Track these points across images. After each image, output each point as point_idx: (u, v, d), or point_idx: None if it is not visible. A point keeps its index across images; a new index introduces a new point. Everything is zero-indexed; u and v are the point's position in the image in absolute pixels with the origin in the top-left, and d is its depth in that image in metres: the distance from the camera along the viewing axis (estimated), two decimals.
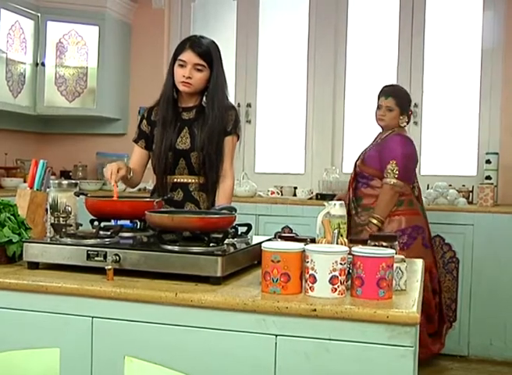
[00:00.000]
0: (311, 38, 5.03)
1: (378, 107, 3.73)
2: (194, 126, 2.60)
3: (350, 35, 4.98)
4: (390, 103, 3.69)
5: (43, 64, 4.84)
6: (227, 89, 2.65)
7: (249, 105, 5.11)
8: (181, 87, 2.57)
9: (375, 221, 3.56)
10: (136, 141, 2.73)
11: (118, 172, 2.38)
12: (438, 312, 3.83)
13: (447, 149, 4.79)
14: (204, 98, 2.64)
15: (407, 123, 3.73)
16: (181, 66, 2.55)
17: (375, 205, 3.60)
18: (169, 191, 2.62)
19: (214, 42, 2.61)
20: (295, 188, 4.78)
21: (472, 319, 4.12)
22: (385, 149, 3.64)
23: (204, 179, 2.60)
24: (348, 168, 4.84)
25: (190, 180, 2.62)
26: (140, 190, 4.57)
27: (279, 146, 5.18)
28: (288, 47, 5.15)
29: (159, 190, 2.63)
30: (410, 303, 1.52)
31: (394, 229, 3.57)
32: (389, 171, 3.56)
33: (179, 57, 2.55)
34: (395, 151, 3.59)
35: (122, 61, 5.22)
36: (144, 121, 2.72)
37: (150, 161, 2.71)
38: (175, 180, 2.63)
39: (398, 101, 3.69)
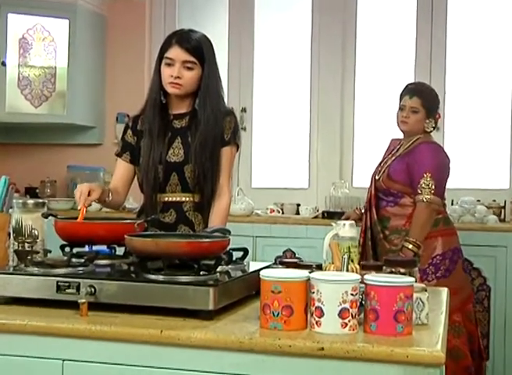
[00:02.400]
0: (315, 32, 5.05)
1: (401, 108, 3.67)
2: (188, 135, 2.61)
3: (360, 28, 5.01)
4: (415, 103, 3.61)
5: (3, 63, 4.85)
6: (223, 90, 2.66)
7: (244, 110, 5.13)
8: (170, 89, 2.58)
9: (410, 246, 3.45)
10: (119, 155, 2.72)
11: (89, 194, 2.35)
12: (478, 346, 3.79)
13: (474, 158, 4.80)
14: (197, 101, 2.63)
15: (434, 128, 3.68)
16: (168, 64, 2.56)
17: (410, 226, 3.51)
18: (159, 211, 2.61)
19: (205, 36, 2.63)
20: (298, 205, 4.79)
21: (507, 357, 4.10)
22: (415, 161, 3.57)
23: (200, 196, 2.60)
24: (359, 182, 4.85)
25: (183, 199, 2.61)
26: (118, 209, 4.57)
27: (279, 157, 5.19)
28: (288, 43, 5.18)
29: (148, 210, 2.62)
30: (433, 340, 1.52)
31: (432, 253, 3.52)
32: (424, 186, 3.48)
33: (166, 54, 2.56)
34: (427, 162, 3.53)
35: (96, 60, 5.24)
36: (129, 131, 2.72)
37: (136, 177, 2.70)
38: (166, 198, 2.62)
39: (424, 101, 3.63)
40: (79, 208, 2.33)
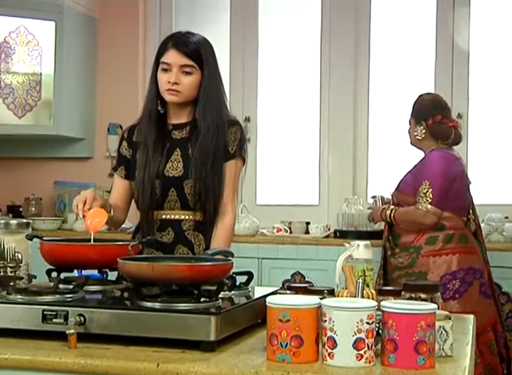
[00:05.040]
0: (325, 34, 5.08)
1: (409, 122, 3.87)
2: (188, 147, 2.62)
3: (374, 29, 5.03)
4: (410, 117, 3.80)
5: None
6: (226, 96, 2.68)
7: (247, 120, 5.14)
8: (167, 97, 2.59)
9: (388, 212, 3.69)
10: (115, 169, 2.74)
11: (93, 200, 2.35)
12: None
13: (502, 171, 4.80)
14: (197, 109, 2.64)
15: (434, 134, 3.70)
16: (165, 70, 2.58)
17: (418, 243, 3.60)
18: (156, 230, 2.62)
19: (204, 38, 2.65)
20: (307, 224, 4.78)
21: None
22: (419, 170, 3.68)
23: (201, 215, 2.61)
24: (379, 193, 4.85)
25: (183, 217, 2.62)
26: (110, 229, 4.57)
27: (287, 171, 5.20)
28: (296, 46, 5.20)
29: (144, 229, 2.63)
30: (458, 373, 1.52)
31: (442, 272, 3.54)
32: (422, 194, 3.56)
33: (162, 59, 2.58)
34: (429, 169, 3.61)
35: (85, 66, 5.26)
36: (124, 143, 2.73)
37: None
38: (164, 216, 2.63)
39: (412, 111, 3.79)
40: (81, 215, 2.33)
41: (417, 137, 3.74)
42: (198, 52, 2.58)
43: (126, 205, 2.71)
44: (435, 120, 3.73)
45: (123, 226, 4.47)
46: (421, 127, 3.72)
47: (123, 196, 2.70)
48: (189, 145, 2.62)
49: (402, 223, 3.67)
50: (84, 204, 2.34)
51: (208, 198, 2.57)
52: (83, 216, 2.32)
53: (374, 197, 4.10)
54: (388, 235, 3.76)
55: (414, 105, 3.81)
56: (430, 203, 3.54)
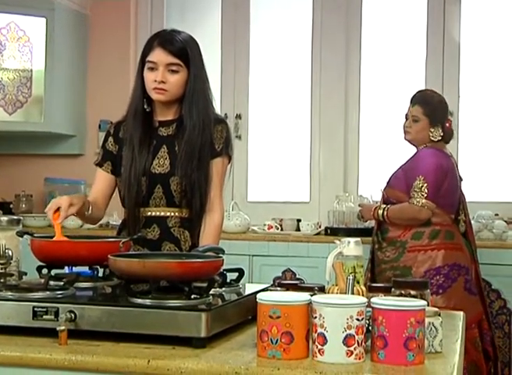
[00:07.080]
0: (316, 31, 5.08)
1: (406, 117, 3.81)
2: (175, 144, 2.62)
3: (365, 27, 5.04)
4: (416, 112, 3.73)
5: None
6: (212, 94, 2.68)
7: (238, 117, 5.14)
8: (154, 95, 2.60)
9: (380, 211, 3.69)
10: (99, 165, 2.73)
11: (57, 210, 2.30)
12: None
13: (492, 169, 4.81)
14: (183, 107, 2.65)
15: (442, 137, 3.73)
16: (151, 68, 2.58)
17: (405, 237, 3.63)
18: (142, 227, 2.62)
19: (190, 36, 2.66)
20: (298, 221, 4.79)
21: None
22: (411, 166, 3.70)
23: (187, 211, 2.61)
24: (365, 194, 4.86)
25: (168, 214, 2.62)
26: (101, 226, 4.57)
27: (278, 168, 5.20)
28: (287, 43, 5.21)
29: (130, 226, 2.63)
30: (448, 370, 1.52)
31: (426, 267, 3.58)
32: (416, 189, 3.58)
33: (148, 58, 2.59)
34: (421, 165, 3.64)
35: (77, 62, 5.25)
36: (110, 139, 2.73)
37: (118, 190, 2.70)
38: (149, 213, 2.63)
39: (427, 109, 3.72)
40: (53, 222, 2.29)
41: (432, 138, 3.71)
42: (184, 51, 2.58)
43: (106, 200, 2.70)
44: (450, 123, 3.77)
45: (114, 222, 4.50)
46: (440, 130, 3.71)
47: (105, 192, 2.69)
48: (175, 142, 2.62)
49: (396, 220, 3.68)
50: (55, 212, 2.29)
51: (194, 194, 2.58)
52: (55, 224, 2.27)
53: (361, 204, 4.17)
54: (376, 229, 3.80)
55: (426, 101, 3.75)
56: (425, 198, 3.56)
